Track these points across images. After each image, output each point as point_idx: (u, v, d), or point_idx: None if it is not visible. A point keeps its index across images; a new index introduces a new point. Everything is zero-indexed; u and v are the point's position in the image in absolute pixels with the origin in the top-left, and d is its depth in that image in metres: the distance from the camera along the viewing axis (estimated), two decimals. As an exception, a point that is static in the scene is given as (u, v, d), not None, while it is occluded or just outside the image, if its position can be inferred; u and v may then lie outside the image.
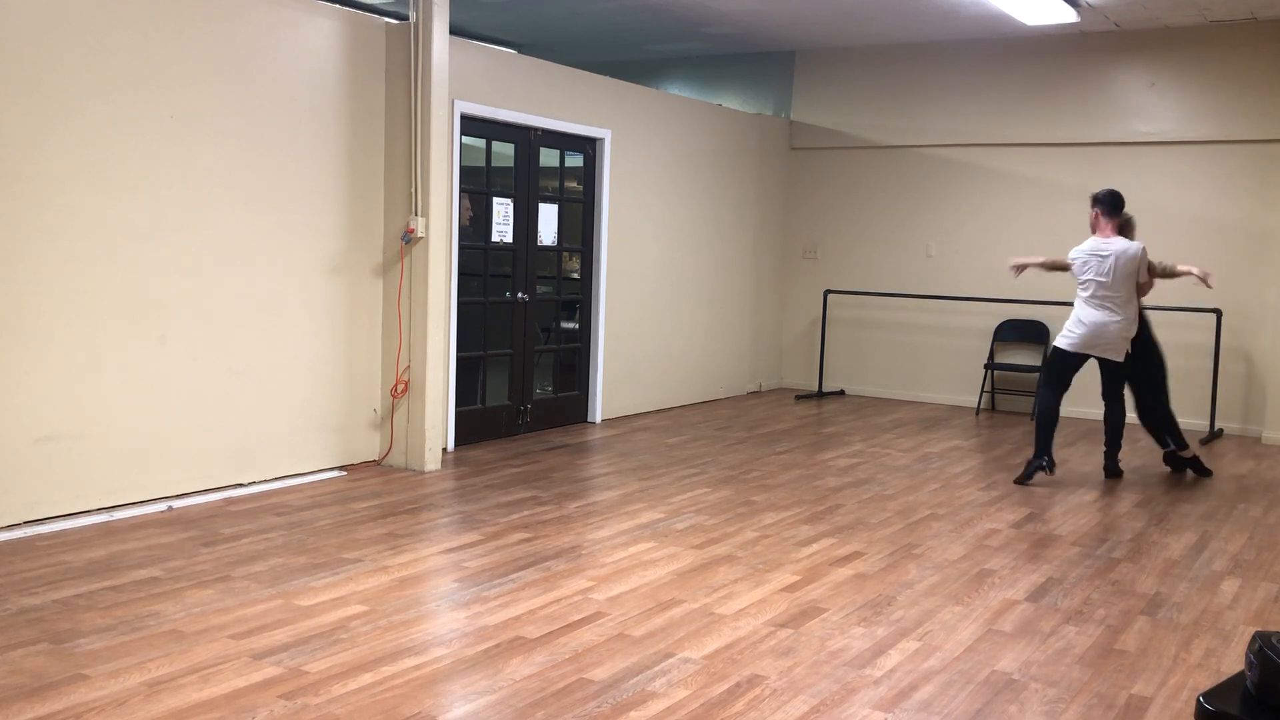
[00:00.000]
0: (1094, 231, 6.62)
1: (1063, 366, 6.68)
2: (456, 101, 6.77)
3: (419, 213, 6.28)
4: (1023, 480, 6.61)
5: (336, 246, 6.17)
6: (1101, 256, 6.48)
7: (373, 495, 5.76)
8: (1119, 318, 6.48)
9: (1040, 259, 6.92)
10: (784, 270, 10.69)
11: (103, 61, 5.01)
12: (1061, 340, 6.66)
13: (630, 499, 5.89)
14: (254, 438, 5.83)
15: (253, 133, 5.67)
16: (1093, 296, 6.53)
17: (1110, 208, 6.55)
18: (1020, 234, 9.50)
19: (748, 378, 10.27)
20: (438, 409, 6.45)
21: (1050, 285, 9.33)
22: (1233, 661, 3.83)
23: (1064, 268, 6.74)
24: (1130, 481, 6.83)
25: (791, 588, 4.47)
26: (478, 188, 7.24)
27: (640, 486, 6.20)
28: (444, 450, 6.91)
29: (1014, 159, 9.53)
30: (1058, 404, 6.65)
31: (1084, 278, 6.54)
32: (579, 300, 8.21)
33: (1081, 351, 6.59)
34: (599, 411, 8.34)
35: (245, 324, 5.72)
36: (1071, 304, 9.10)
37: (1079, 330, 6.57)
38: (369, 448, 6.50)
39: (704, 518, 5.55)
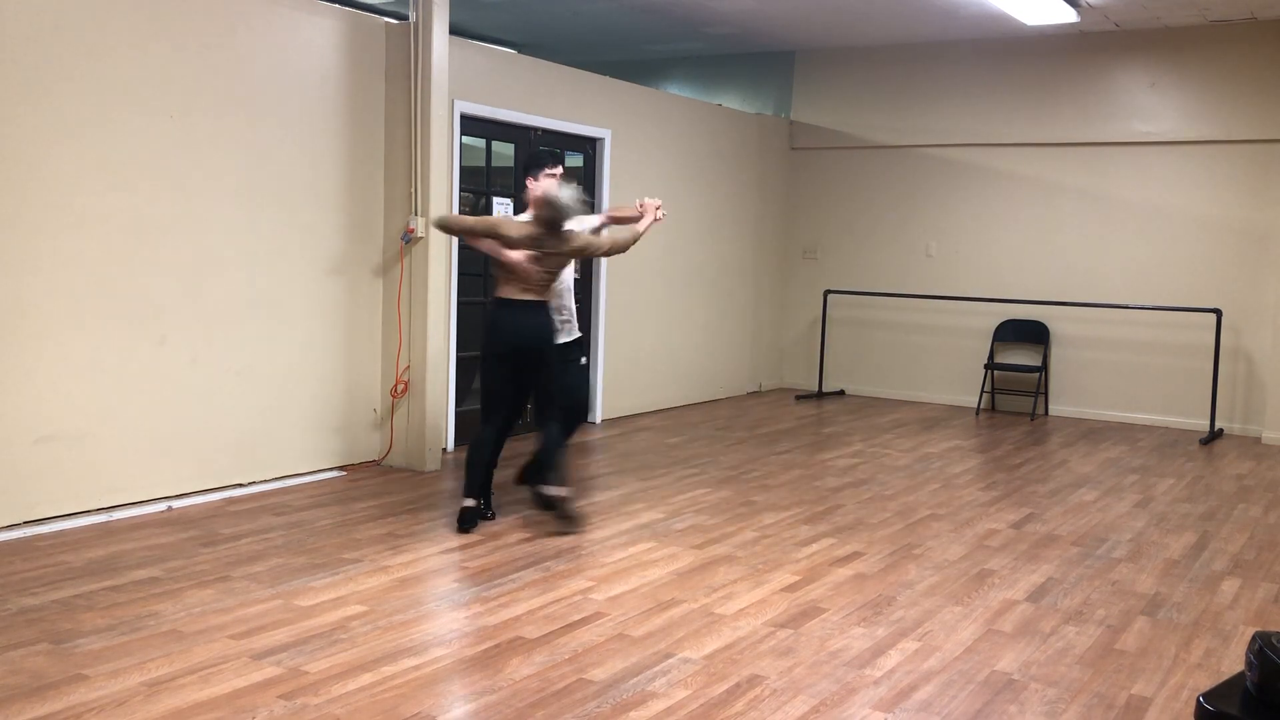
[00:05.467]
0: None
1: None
2: (456, 101, 6.76)
3: (419, 213, 6.28)
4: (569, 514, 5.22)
5: (336, 246, 6.17)
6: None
7: (372, 495, 5.76)
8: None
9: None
10: (784, 270, 10.69)
11: (103, 62, 5.01)
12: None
13: (630, 499, 5.89)
14: (254, 438, 5.83)
15: (253, 133, 5.67)
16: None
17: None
18: (1020, 234, 9.49)
19: (748, 378, 10.27)
20: (438, 409, 6.45)
21: (1051, 285, 9.33)
22: (1233, 661, 3.83)
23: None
24: (1130, 481, 6.83)
25: (791, 588, 4.47)
26: (478, 188, 7.25)
27: (640, 486, 6.20)
28: (444, 450, 6.90)
29: (1014, 159, 9.53)
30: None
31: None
32: (579, 300, 8.19)
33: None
34: (599, 411, 8.33)
35: (245, 324, 5.72)
36: (1073, 304, 9.20)
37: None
38: (369, 448, 6.50)
39: (704, 518, 5.55)
